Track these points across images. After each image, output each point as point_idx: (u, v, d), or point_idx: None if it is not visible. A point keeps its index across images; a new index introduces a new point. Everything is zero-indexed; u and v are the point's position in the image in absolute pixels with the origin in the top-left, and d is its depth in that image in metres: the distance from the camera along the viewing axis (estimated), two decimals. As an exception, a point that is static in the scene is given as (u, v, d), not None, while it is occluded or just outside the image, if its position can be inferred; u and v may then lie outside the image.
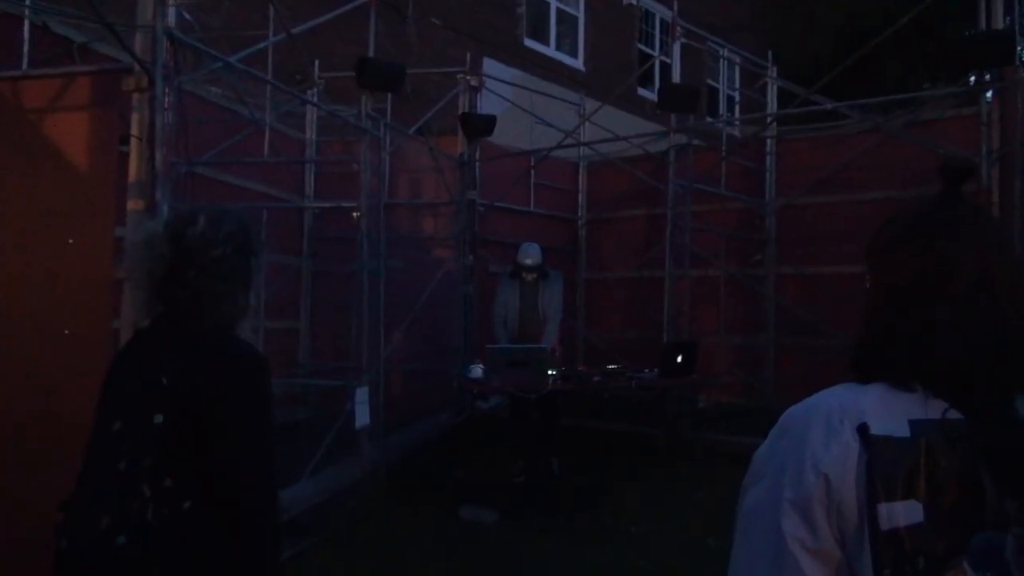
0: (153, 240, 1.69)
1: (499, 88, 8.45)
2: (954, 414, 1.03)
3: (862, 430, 1.02)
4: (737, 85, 13.95)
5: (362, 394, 5.69)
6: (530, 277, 6.30)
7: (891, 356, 1.08)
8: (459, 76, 7.93)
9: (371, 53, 6.20)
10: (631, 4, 13.46)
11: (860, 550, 1.00)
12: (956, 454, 1.01)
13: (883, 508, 0.99)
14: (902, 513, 0.99)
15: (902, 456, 1.01)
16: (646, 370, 6.39)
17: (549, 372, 5.70)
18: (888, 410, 1.04)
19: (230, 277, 1.69)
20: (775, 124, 8.59)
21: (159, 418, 1.54)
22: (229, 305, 1.70)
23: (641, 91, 13.15)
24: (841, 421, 1.04)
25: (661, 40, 14.03)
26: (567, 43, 12.57)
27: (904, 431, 1.02)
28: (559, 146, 8.26)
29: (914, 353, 1.07)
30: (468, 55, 8.21)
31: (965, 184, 1.18)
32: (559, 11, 12.39)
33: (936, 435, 1.01)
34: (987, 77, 6.30)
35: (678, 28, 8.03)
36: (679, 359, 6.20)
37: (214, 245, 1.68)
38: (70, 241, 3.35)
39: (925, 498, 1.00)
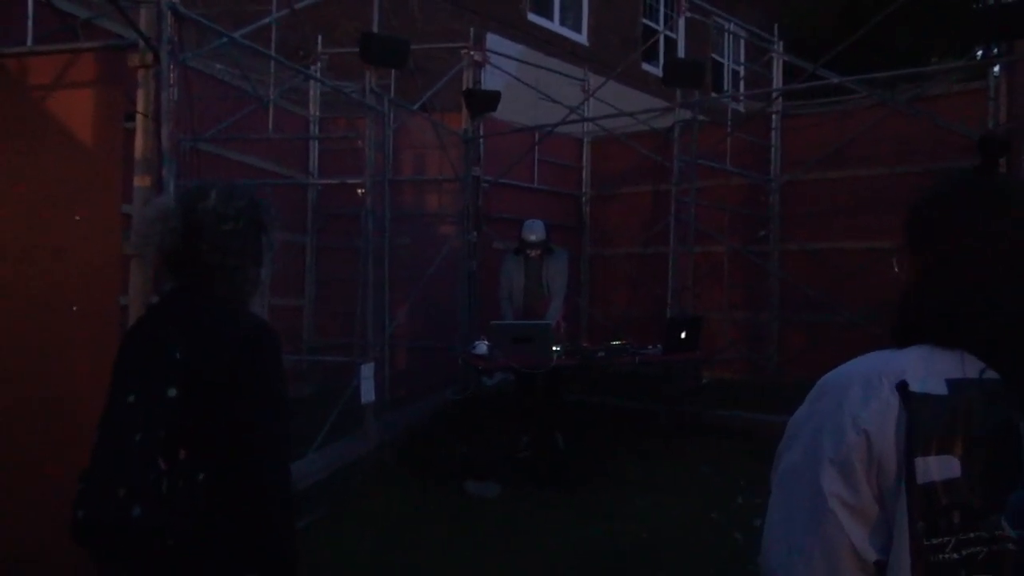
0: (166, 214, 1.70)
1: (503, 63, 8.41)
2: (991, 374, 1.05)
3: (901, 387, 1.04)
4: (742, 60, 13.80)
5: (367, 370, 5.71)
6: (534, 253, 6.28)
7: (932, 322, 1.10)
8: (463, 51, 7.89)
9: (375, 28, 6.17)
10: (636, -23, 13.38)
11: (896, 504, 1.01)
12: (993, 413, 1.02)
13: (920, 462, 1.01)
14: (938, 468, 1.01)
15: (940, 413, 1.03)
16: (650, 346, 6.40)
17: (553, 348, 5.70)
18: (926, 369, 1.06)
19: (242, 252, 1.70)
20: (780, 99, 8.56)
21: (173, 391, 1.55)
22: (240, 280, 1.72)
23: (646, 66, 13.04)
24: (880, 380, 1.06)
25: (666, 14, 13.89)
26: (571, 18, 12.44)
27: (942, 389, 1.04)
28: (563, 122, 8.23)
29: (954, 318, 1.08)
30: (472, 30, 8.17)
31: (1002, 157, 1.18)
32: (563, -15, 12.30)
33: (974, 393, 1.03)
34: (995, 51, 6.24)
35: (684, 1, 7.99)
36: (683, 335, 6.20)
37: (226, 220, 1.69)
38: (77, 218, 3.33)
39: (962, 455, 1.01)
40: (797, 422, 1.13)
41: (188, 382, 1.57)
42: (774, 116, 8.39)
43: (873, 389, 1.06)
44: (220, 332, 1.63)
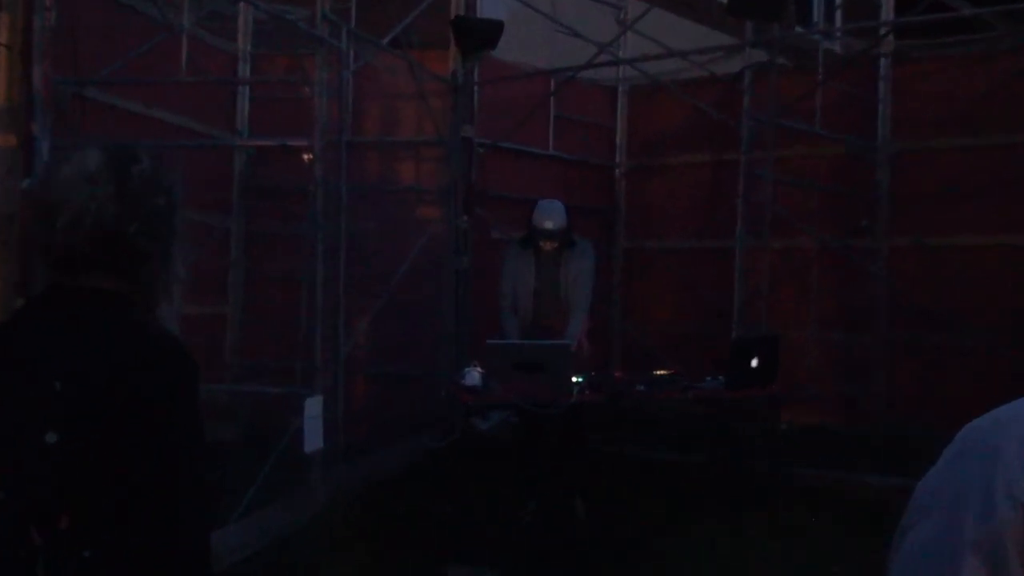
0: (94, 176, 1.68)
1: (507, -17, 8.52)
2: None
3: None
4: (840, -20, 13.83)
5: (314, 406, 5.76)
6: (549, 247, 6.28)
7: None
8: (452, -37, 8.00)
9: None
10: None
11: None
12: None
13: None
14: None
15: None
16: (708, 378, 6.42)
17: (573, 379, 5.74)
18: None
19: (166, 238, 1.74)
20: (891, 37, 8.56)
21: (52, 436, 1.54)
22: (156, 277, 1.74)
23: (706, -12, 13.10)
24: None
25: (733, -83, 13.94)
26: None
27: None
28: (591, 64, 8.23)
29: None
30: (465, -66, 8.25)
31: None
32: None
33: None
34: None
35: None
36: (753, 362, 6.22)
37: (159, 191, 1.72)
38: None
39: None
40: (928, 490, 1.15)
41: (72, 423, 1.56)
42: (882, 60, 8.41)
43: None
44: (118, 352, 1.62)
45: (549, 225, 6.22)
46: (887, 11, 8.56)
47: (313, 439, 5.74)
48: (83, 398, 1.57)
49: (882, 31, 8.64)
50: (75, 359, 1.60)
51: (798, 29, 11.35)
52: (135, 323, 1.68)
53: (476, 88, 8.09)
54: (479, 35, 7.53)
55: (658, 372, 6.63)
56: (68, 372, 1.59)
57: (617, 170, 9.68)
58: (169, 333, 1.71)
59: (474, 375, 6.03)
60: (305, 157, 6.33)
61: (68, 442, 1.55)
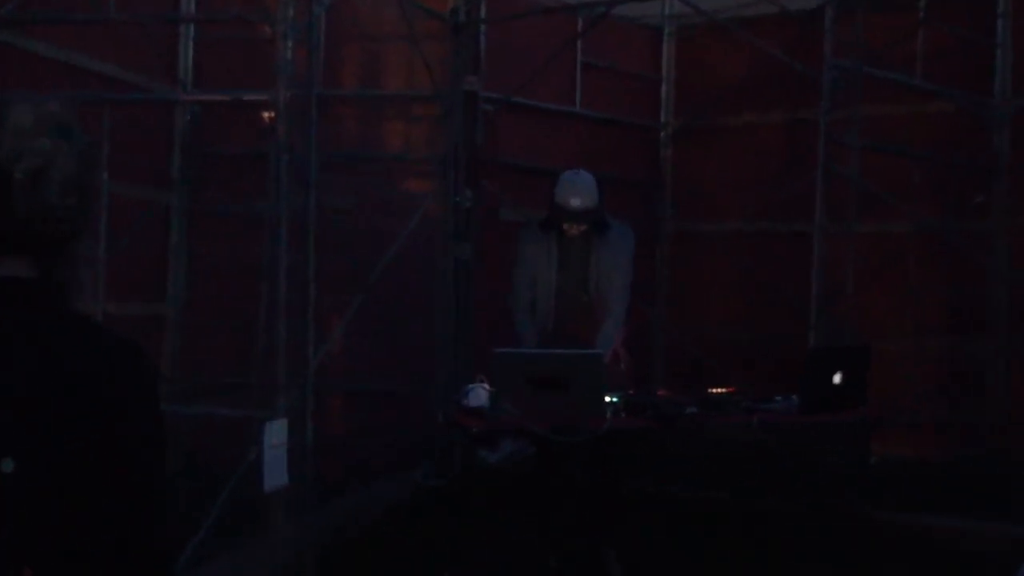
0: (36, 127, 1.71)
1: None
2: None
3: None
4: None
5: (276, 432, 5.61)
6: (576, 231, 6.03)
7: None
8: None
9: None
10: None
11: None
12: None
13: None
14: None
15: None
16: (777, 398, 6.02)
17: (606, 399, 5.43)
18: None
19: (87, 213, 1.78)
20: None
21: (8, 464, 1.55)
22: (79, 264, 1.81)
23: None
24: None
25: None
26: None
27: None
28: (628, -2, 8.13)
29: None
30: None
31: None
32: None
33: None
34: None
35: None
36: (836, 378, 5.81)
37: (80, 157, 1.77)
38: None
39: None
40: None
41: (30, 447, 1.58)
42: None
43: None
44: (72, 359, 1.64)
45: (576, 203, 5.98)
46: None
47: (275, 474, 5.57)
48: (38, 417, 1.59)
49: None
50: (24, 367, 1.62)
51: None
52: (82, 321, 1.74)
53: (483, 28, 7.94)
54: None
55: (714, 391, 6.21)
56: (20, 384, 1.61)
57: (662, 133, 9.46)
58: (116, 333, 1.75)
59: (480, 394, 5.67)
60: (265, 116, 6.24)
61: (27, 470, 1.57)
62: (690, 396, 6.10)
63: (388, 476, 7.34)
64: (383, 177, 7.81)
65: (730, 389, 6.18)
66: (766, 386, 6.36)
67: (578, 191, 5.94)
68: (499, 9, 8.07)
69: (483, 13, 7.86)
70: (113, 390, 1.61)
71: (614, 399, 5.50)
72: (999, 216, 8.06)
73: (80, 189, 1.70)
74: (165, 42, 7.27)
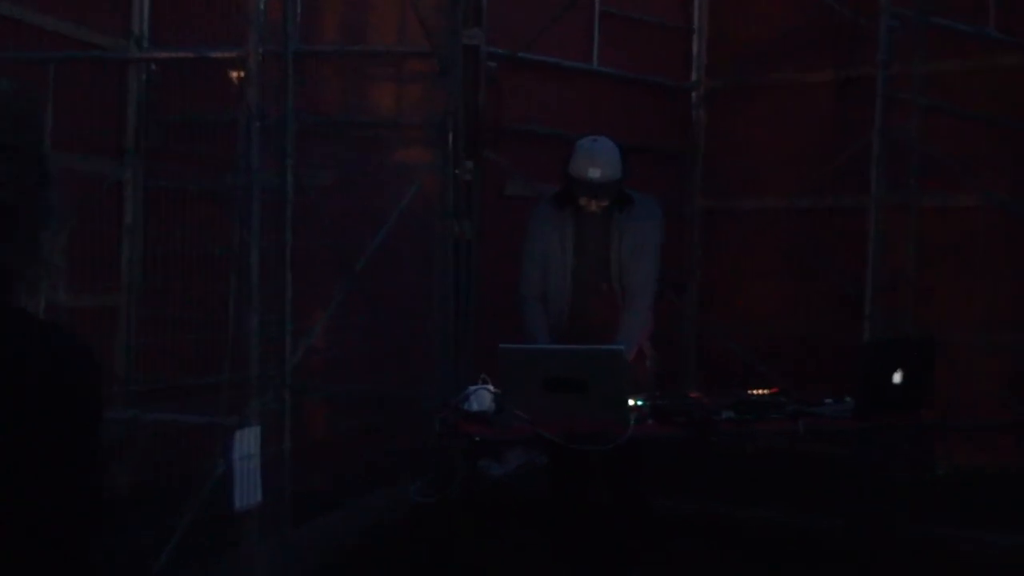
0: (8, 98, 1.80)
1: None
2: None
3: None
4: None
5: (248, 442, 5.74)
6: (596, 207, 5.95)
7: None
8: None
9: None
10: None
11: None
12: None
13: None
14: None
15: None
16: (828, 399, 6.04)
17: (630, 402, 5.45)
18: None
19: (23, 180, 1.81)
20: None
21: None
22: (43, 245, 1.85)
23: None
24: None
25: None
26: None
27: None
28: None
29: None
30: None
31: None
32: None
33: None
34: None
35: None
36: (896, 377, 5.84)
37: (22, 124, 1.81)
38: None
39: None
40: None
41: None
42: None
43: None
44: (15, 357, 1.69)
45: (595, 175, 5.94)
46: None
47: (246, 491, 5.68)
48: None
49: None
50: None
51: None
52: (13, 313, 1.76)
53: (485, -29, 7.79)
54: None
55: (755, 391, 6.29)
56: None
57: (694, 94, 9.39)
58: (65, 331, 1.80)
59: (483, 397, 5.72)
60: (233, 76, 6.35)
61: None
62: (726, 399, 6.10)
63: (377, 491, 7.29)
64: (370, 146, 7.80)
65: (773, 390, 6.28)
66: (815, 387, 6.49)
67: (597, 161, 5.87)
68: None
69: (485, -47, 7.73)
70: (50, 394, 1.64)
71: (639, 402, 5.57)
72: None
73: (10, 149, 1.72)
74: (118, -10, 7.41)
